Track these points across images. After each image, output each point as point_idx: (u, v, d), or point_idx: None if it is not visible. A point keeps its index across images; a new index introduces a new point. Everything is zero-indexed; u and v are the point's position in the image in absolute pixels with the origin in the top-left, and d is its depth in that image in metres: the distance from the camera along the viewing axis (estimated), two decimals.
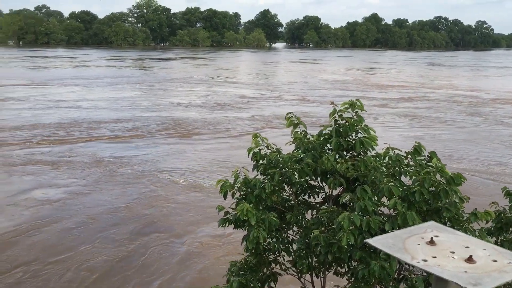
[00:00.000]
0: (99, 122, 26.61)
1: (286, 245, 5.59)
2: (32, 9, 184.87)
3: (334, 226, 4.94)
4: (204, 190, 15.28)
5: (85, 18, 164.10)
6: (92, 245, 11.15)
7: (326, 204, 5.74)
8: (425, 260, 1.77)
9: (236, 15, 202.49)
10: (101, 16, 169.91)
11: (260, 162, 5.74)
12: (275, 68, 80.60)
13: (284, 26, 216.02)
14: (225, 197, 5.64)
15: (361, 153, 5.41)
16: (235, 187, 5.63)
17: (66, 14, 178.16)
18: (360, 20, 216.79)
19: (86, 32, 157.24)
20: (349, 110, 5.41)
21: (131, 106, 33.18)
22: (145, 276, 9.75)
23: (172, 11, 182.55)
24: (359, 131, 5.43)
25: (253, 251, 5.44)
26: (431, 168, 5.11)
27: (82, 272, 9.84)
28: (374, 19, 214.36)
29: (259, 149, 5.76)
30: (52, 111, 29.78)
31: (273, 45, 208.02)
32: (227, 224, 5.61)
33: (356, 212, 4.82)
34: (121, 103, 34.18)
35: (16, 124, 25.11)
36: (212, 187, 15.16)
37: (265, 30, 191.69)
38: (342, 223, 4.67)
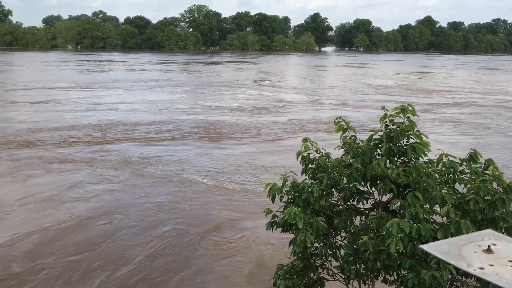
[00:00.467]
0: (135, 124, 27.21)
1: (334, 250, 5.55)
2: (90, 14, 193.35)
3: (383, 233, 4.87)
4: (227, 191, 15.56)
5: (139, 23, 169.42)
6: (116, 240, 11.57)
7: (375, 210, 5.67)
8: (482, 268, 1.72)
9: (286, 19, 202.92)
10: (154, 21, 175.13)
11: (309, 166, 5.73)
12: (319, 72, 79.88)
13: (334, 29, 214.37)
14: (273, 200, 5.67)
15: (413, 159, 5.30)
16: (283, 191, 5.65)
17: (121, 19, 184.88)
18: (413, 23, 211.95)
19: (140, 36, 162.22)
20: (401, 115, 5.31)
21: (168, 109, 33.67)
22: (160, 275, 9.98)
23: (222, 16, 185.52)
24: (411, 136, 5.33)
25: (300, 255, 5.43)
26: (487, 176, 4.93)
27: (103, 268, 10.16)
28: (428, 22, 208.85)
29: (308, 153, 5.76)
30: (92, 113, 30.67)
31: (323, 49, 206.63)
32: (274, 227, 5.64)
33: (406, 219, 4.72)
34: (159, 106, 34.77)
35: (56, 125, 26.06)
36: (235, 189, 15.62)
37: (315, 34, 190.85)
38: (391, 229, 4.59)
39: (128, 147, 21.49)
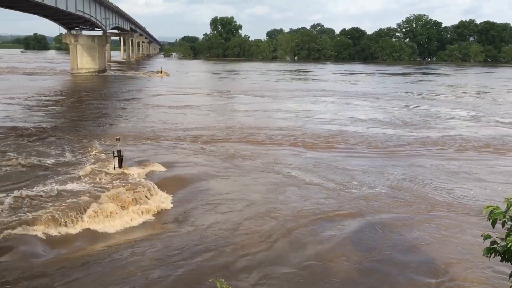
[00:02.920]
0: (262, 129, 28.16)
1: None
2: (308, 27, 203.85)
3: None
4: (315, 187, 17.10)
5: (354, 35, 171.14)
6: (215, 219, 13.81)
7: None
8: None
9: None
10: (369, 32, 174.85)
11: None
12: (505, 88, 68.44)
13: None
14: (493, 224, 5.11)
15: None
16: (507, 216, 5.08)
17: (337, 31, 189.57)
18: None
19: (354, 47, 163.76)
20: None
21: (307, 118, 33.50)
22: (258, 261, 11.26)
23: (443, 25, 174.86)
24: None
25: None
26: None
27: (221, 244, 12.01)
28: None
29: None
30: (228, 117, 32.96)
31: None
32: (493, 255, 5.11)
33: None
34: (300, 114, 34.88)
35: (191, 126, 28.90)
36: (323, 185, 17.07)
37: None
38: None
39: (239, 146, 23.57)
